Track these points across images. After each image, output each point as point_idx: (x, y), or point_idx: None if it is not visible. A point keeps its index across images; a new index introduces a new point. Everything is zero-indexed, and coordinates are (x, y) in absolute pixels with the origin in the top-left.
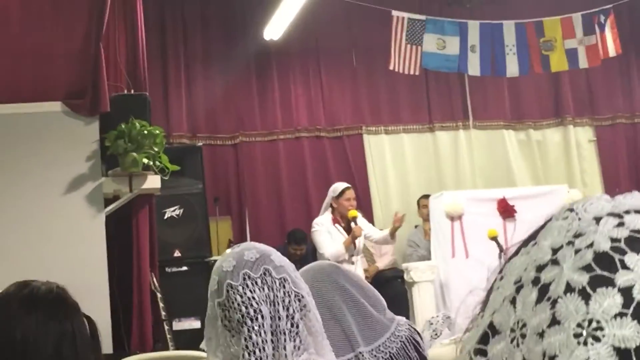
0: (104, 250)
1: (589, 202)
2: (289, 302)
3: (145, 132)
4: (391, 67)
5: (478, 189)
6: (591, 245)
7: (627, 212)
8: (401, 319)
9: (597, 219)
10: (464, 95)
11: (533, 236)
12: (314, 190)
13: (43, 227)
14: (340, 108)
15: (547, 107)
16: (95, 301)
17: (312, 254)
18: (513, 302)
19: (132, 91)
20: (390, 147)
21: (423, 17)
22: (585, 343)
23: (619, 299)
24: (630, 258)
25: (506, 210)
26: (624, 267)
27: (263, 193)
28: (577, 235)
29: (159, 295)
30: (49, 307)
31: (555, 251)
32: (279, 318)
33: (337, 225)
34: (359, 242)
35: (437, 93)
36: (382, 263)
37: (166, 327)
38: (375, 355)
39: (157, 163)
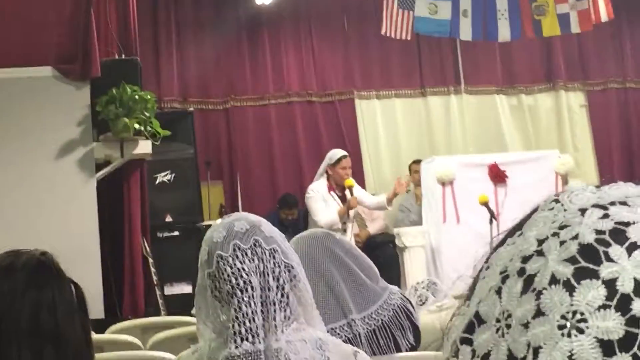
0: (95, 216)
1: (574, 193)
2: (279, 272)
3: (137, 97)
4: (383, 32)
5: (469, 154)
6: (576, 237)
7: (612, 203)
8: (394, 287)
9: (583, 211)
10: (455, 60)
11: (519, 226)
12: (306, 154)
13: (34, 192)
14: (332, 73)
15: (538, 72)
16: (86, 266)
17: (304, 218)
18: (499, 292)
19: (123, 56)
20: (381, 112)
21: None
22: (569, 335)
23: (602, 291)
24: (615, 250)
25: (497, 176)
26: (608, 259)
27: (254, 158)
28: (562, 227)
29: (150, 260)
30: (27, 275)
31: (540, 242)
32: (269, 289)
33: (332, 192)
34: (353, 211)
35: (428, 58)
36: (373, 228)
37: (158, 292)
38: (367, 322)
39: (149, 128)
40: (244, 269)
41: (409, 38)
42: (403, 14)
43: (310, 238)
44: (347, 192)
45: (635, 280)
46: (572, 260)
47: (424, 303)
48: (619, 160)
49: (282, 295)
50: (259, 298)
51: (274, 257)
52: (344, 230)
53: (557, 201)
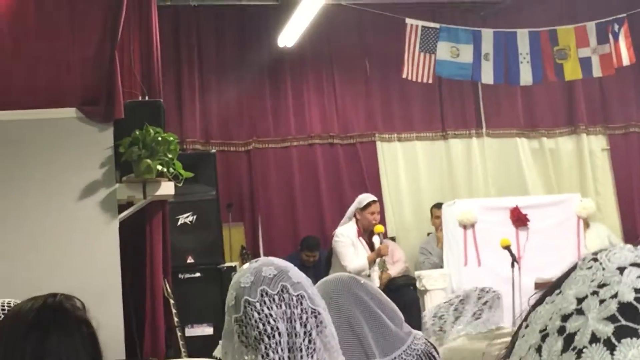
0: (117, 257)
1: (612, 252)
2: (307, 318)
3: (159, 138)
4: (404, 76)
5: (491, 197)
6: (615, 295)
7: None
8: (418, 332)
9: (621, 269)
10: (477, 103)
11: (557, 285)
12: (327, 197)
13: (57, 233)
14: (354, 115)
15: (560, 116)
16: (108, 307)
17: (326, 261)
18: (539, 350)
19: (147, 98)
20: (403, 155)
21: (437, 25)
22: None
23: None
24: None
25: (519, 219)
26: None
27: (276, 200)
28: (602, 286)
29: (171, 301)
30: (30, 320)
31: (580, 301)
32: (296, 335)
33: (360, 238)
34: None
35: (450, 101)
36: (394, 270)
37: (179, 334)
38: None
39: (171, 169)
40: (271, 314)
41: (430, 81)
42: (425, 57)
43: (336, 282)
44: (375, 239)
45: None
46: (612, 318)
47: (444, 332)
48: None
49: (309, 342)
50: (286, 344)
51: (301, 304)
52: (368, 275)
53: (595, 260)
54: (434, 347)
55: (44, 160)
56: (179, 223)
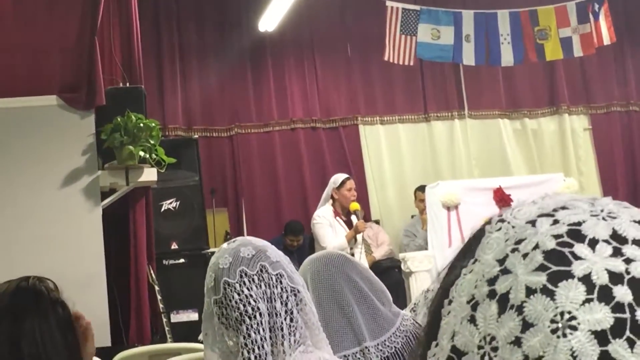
0: (101, 244)
1: (516, 210)
2: (287, 297)
3: (141, 124)
4: (386, 58)
5: (474, 179)
6: (537, 246)
7: (555, 210)
8: (405, 313)
9: (532, 222)
10: (459, 85)
11: (466, 254)
12: (310, 181)
13: (40, 221)
14: (336, 99)
15: (542, 96)
16: (93, 294)
17: (309, 244)
18: (472, 320)
19: (128, 84)
20: (385, 137)
21: (417, 7)
22: (564, 335)
23: (582, 287)
24: (579, 248)
25: (502, 200)
26: (576, 257)
27: (259, 184)
28: (519, 242)
29: (156, 287)
30: (4, 305)
31: (501, 261)
32: (276, 314)
33: (338, 218)
34: (360, 235)
35: (432, 83)
36: (378, 253)
37: (164, 320)
38: (381, 350)
39: (154, 156)
40: (251, 295)
41: (411, 64)
42: (406, 39)
43: (326, 259)
44: (353, 217)
45: (607, 270)
46: (541, 267)
47: None
48: (623, 182)
49: (290, 320)
50: (267, 324)
51: (280, 282)
52: (352, 255)
53: (502, 220)
54: (421, 327)
55: (25, 149)
56: (162, 209)
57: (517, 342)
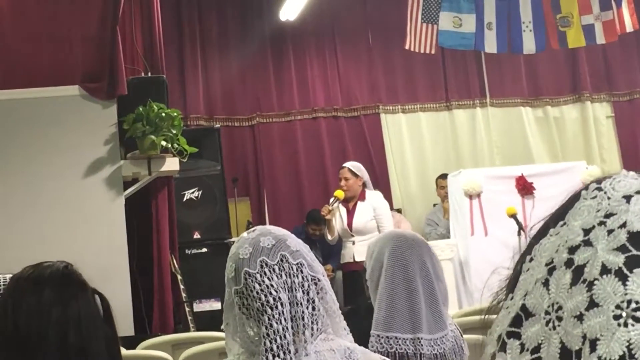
0: (124, 233)
1: (617, 180)
2: (308, 286)
3: (163, 114)
4: (407, 47)
5: (496, 167)
6: (624, 225)
7: None
8: (453, 321)
9: (627, 198)
10: (480, 73)
11: (560, 215)
12: (332, 169)
13: (63, 211)
14: (357, 88)
15: (564, 84)
16: (116, 284)
17: None
18: (546, 284)
19: (149, 74)
20: (407, 126)
21: None
22: (625, 324)
23: None
24: None
25: (524, 188)
26: None
27: (281, 173)
28: (608, 215)
29: (179, 277)
30: (52, 290)
31: (587, 232)
32: (298, 304)
33: (341, 206)
34: (359, 223)
35: (453, 71)
36: None
37: (187, 309)
38: (432, 346)
39: (175, 145)
40: (272, 285)
41: (433, 52)
42: (427, 27)
43: (413, 242)
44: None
45: None
46: (622, 248)
47: None
48: None
49: (312, 309)
50: (288, 314)
51: (301, 272)
52: (353, 243)
53: (599, 189)
54: (463, 339)
55: (47, 139)
56: (184, 199)
57: (580, 317)
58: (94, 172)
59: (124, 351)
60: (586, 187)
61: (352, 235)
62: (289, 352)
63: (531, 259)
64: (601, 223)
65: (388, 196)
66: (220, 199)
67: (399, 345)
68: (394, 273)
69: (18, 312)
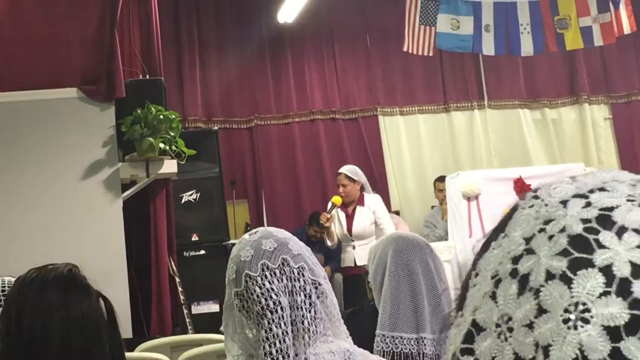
0: (121, 236)
1: (552, 187)
2: (309, 290)
3: (161, 116)
4: (405, 49)
5: (494, 169)
6: (563, 229)
7: (591, 191)
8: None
9: (564, 202)
10: (478, 75)
11: (500, 228)
12: (330, 172)
13: (61, 213)
14: (355, 90)
15: (562, 86)
16: (114, 286)
17: None
18: (493, 297)
19: (147, 76)
20: (405, 128)
21: None
22: (575, 327)
23: (600, 279)
24: (605, 236)
25: (522, 190)
26: (600, 246)
27: (279, 176)
28: (547, 222)
29: (177, 279)
30: (56, 293)
31: (528, 240)
32: (298, 308)
33: (339, 211)
34: (359, 227)
35: (451, 73)
36: None
37: (185, 311)
38: (435, 346)
39: (174, 147)
40: (272, 289)
41: (430, 54)
42: (425, 30)
43: (413, 243)
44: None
45: (631, 263)
46: (564, 253)
47: None
48: None
49: (313, 312)
50: (288, 317)
51: (302, 275)
52: (354, 248)
53: (536, 197)
54: None
55: (46, 141)
56: (182, 201)
57: (530, 326)
58: (92, 174)
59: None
60: (524, 197)
61: (352, 240)
62: (288, 356)
63: (476, 274)
64: (541, 230)
65: (386, 198)
66: (218, 201)
67: (404, 345)
68: (398, 274)
69: (22, 315)
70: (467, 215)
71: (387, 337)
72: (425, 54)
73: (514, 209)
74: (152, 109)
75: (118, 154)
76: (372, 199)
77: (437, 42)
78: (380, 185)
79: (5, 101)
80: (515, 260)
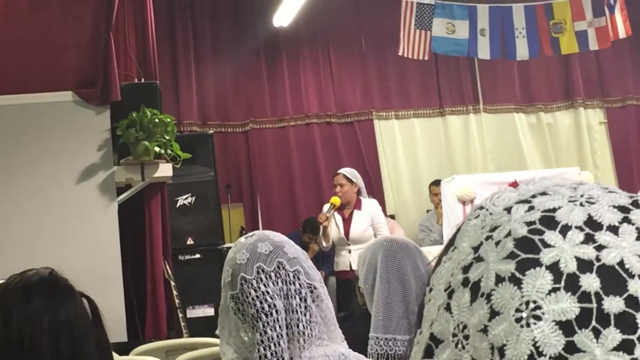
0: (117, 239)
1: (496, 196)
2: (305, 293)
3: (157, 120)
4: (400, 53)
5: (489, 173)
6: (509, 234)
7: (534, 196)
8: None
9: (508, 209)
10: (474, 79)
11: (450, 243)
12: (325, 176)
13: (56, 217)
14: (350, 94)
15: (557, 90)
16: (109, 290)
17: None
18: (448, 308)
19: (143, 80)
20: (400, 132)
21: (432, 2)
22: (528, 324)
23: (548, 276)
24: (549, 236)
25: None
26: (546, 245)
27: (274, 180)
28: (494, 229)
29: (172, 283)
30: (42, 298)
31: (476, 249)
32: (293, 311)
33: (336, 214)
34: (356, 231)
35: (447, 77)
36: None
37: (180, 315)
38: None
39: (169, 151)
40: (268, 292)
41: (426, 58)
42: (420, 34)
43: (402, 246)
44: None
45: (577, 258)
46: (511, 255)
47: None
48: (639, 176)
49: (308, 315)
50: (283, 321)
51: (298, 279)
52: (349, 252)
53: (481, 208)
54: None
55: (41, 145)
56: (178, 205)
57: (484, 330)
58: (87, 177)
59: (117, 357)
60: (470, 210)
61: (349, 244)
62: (283, 359)
63: (430, 289)
64: (488, 237)
65: (381, 202)
66: (213, 205)
67: (398, 346)
68: (389, 276)
69: (9, 322)
70: (463, 219)
71: (381, 339)
72: (421, 58)
73: (462, 223)
74: (148, 112)
75: (113, 157)
76: (370, 204)
77: (432, 46)
78: (375, 189)
79: (0, 104)
80: (466, 269)
